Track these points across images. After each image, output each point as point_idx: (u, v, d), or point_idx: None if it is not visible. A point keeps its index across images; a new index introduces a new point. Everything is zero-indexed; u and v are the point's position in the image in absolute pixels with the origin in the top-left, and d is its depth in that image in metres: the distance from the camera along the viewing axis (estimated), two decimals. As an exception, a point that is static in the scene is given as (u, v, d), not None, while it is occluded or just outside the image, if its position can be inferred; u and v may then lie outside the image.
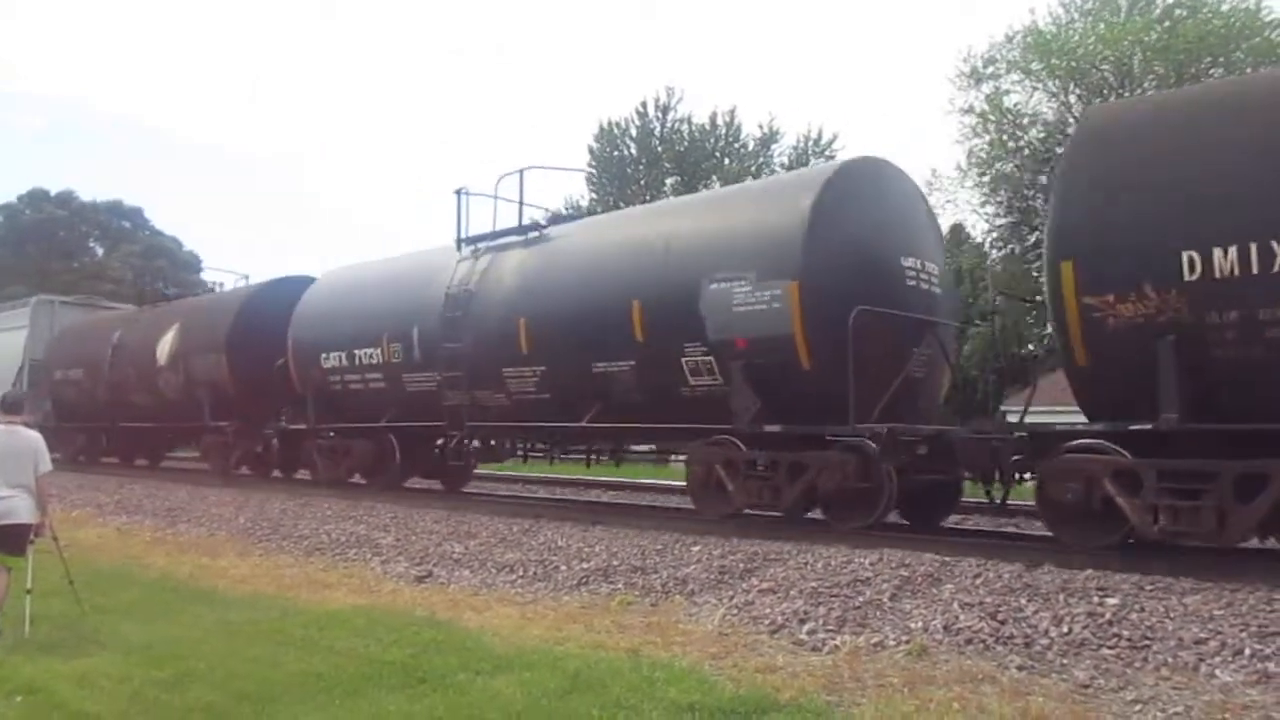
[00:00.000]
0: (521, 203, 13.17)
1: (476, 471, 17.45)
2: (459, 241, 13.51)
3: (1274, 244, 6.53)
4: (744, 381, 9.50)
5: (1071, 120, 23.04)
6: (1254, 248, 6.60)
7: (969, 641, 5.97)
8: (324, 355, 14.88)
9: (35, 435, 7.16)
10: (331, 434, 15.57)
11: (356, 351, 14.31)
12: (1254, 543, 9.93)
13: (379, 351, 13.93)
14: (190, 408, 18.20)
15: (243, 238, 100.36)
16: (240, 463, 17.87)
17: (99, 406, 21.40)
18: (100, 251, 57.01)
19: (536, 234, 12.69)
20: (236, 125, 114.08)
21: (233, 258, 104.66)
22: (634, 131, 34.22)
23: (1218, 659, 5.33)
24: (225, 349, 17.12)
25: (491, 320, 12.14)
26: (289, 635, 6.68)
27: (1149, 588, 6.50)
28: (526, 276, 12.16)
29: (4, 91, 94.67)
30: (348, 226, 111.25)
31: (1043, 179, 24.03)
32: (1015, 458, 8.28)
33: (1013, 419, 9.83)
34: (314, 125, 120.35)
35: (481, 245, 13.23)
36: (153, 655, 6.18)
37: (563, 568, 8.80)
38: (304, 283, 17.41)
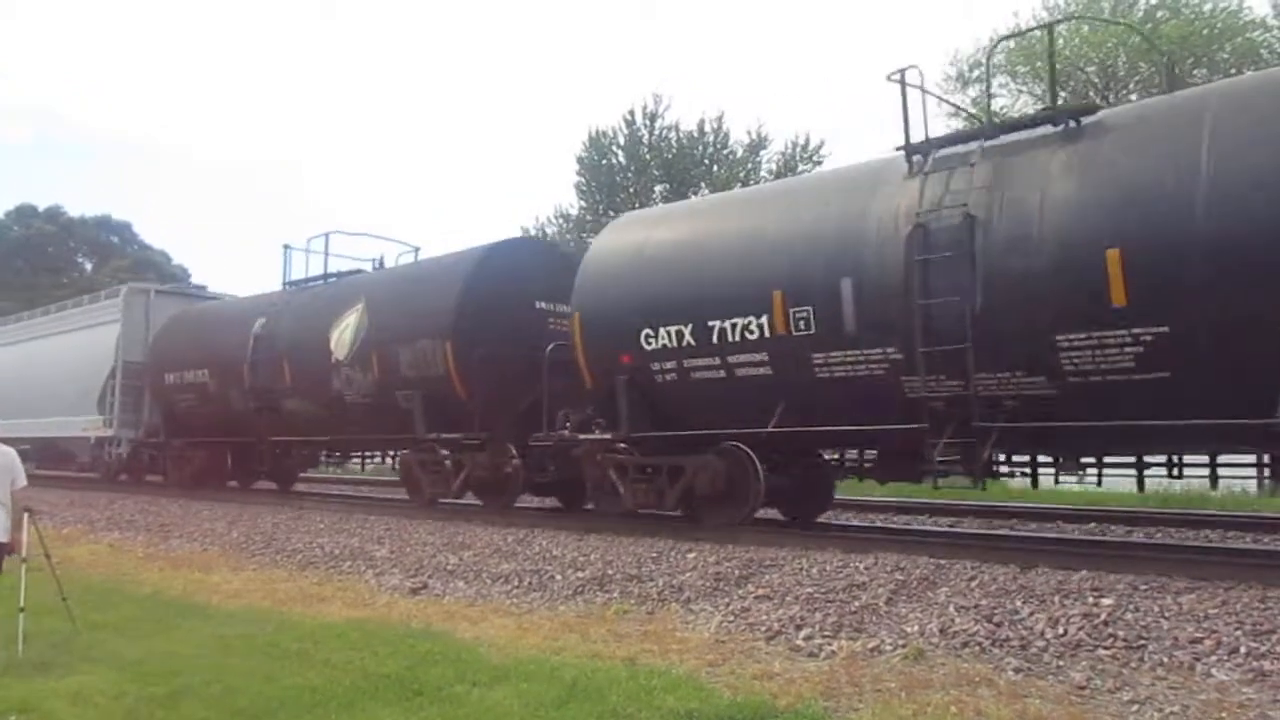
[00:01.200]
0: None
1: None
2: (907, 150, 9.12)
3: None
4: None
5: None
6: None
7: (965, 644, 5.98)
8: (645, 333, 10.53)
9: (10, 451, 7.12)
10: (651, 446, 10.87)
11: (715, 324, 9.92)
12: (1247, 541, 10.02)
13: (762, 321, 9.53)
14: (387, 415, 13.95)
15: (233, 249, 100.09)
16: (471, 487, 13.45)
17: (235, 417, 17.00)
18: (89, 267, 56.80)
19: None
20: (227, 135, 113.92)
21: (224, 270, 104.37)
22: (622, 139, 34.23)
23: (1213, 658, 5.35)
24: (451, 334, 12.74)
25: (1043, 257, 7.74)
26: (284, 649, 6.65)
27: (1143, 587, 6.52)
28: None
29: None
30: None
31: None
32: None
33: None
34: (308, 133, 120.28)
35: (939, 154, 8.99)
36: (147, 671, 6.14)
37: (558, 577, 8.79)
38: (535, 245, 15.65)
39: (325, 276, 16.47)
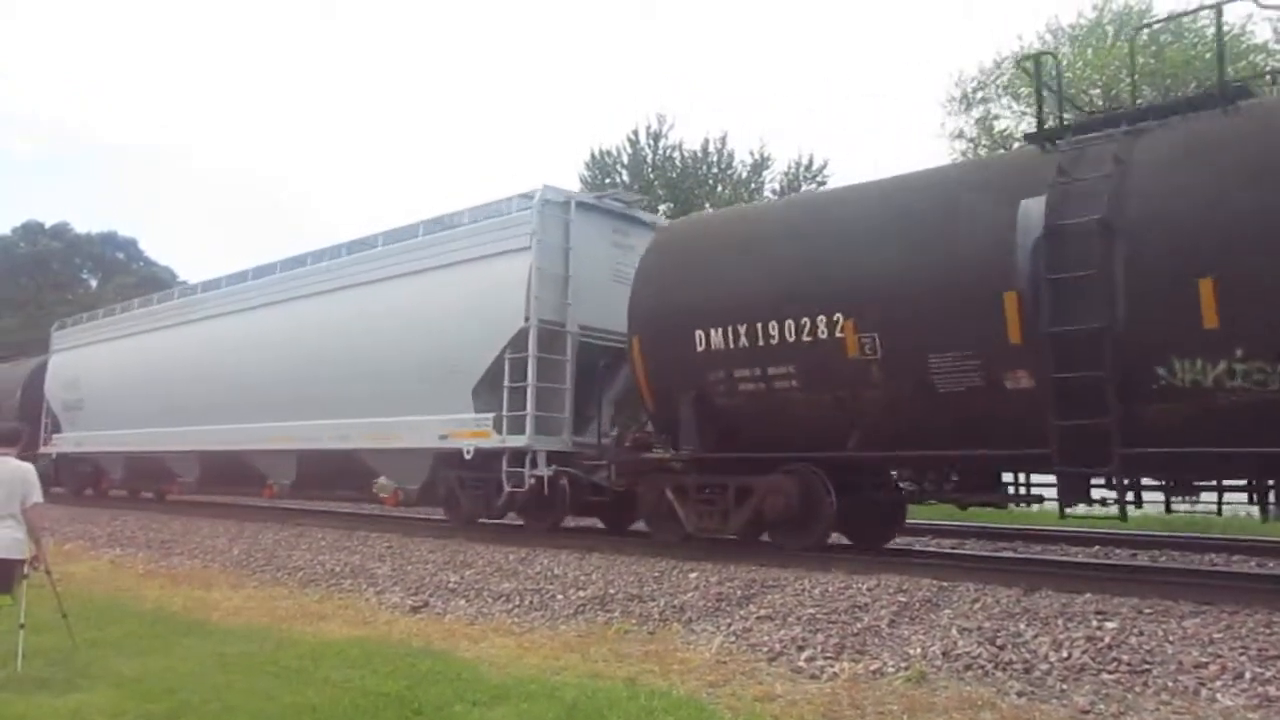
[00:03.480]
0: None
1: None
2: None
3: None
4: None
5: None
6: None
7: (968, 667, 5.94)
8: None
9: (26, 466, 7.07)
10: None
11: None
12: (1252, 565, 9.97)
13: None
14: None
15: (240, 264, 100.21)
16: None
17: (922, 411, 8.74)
18: (94, 283, 56.97)
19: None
20: (233, 147, 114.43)
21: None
22: (625, 159, 34.34)
23: (1218, 683, 5.31)
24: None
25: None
26: (284, 667, 6.63)
27: (1148, 611, 6.49)
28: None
29: (3, 120, 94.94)
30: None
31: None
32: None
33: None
34: (315, 144, 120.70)
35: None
36: (146, 689, 6.12)
37: (559, 596, 8.76)
38: None
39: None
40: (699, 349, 9.80)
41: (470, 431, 12.07)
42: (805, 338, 9.03)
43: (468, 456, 12.03)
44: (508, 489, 11.67)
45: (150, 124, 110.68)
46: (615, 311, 11.31)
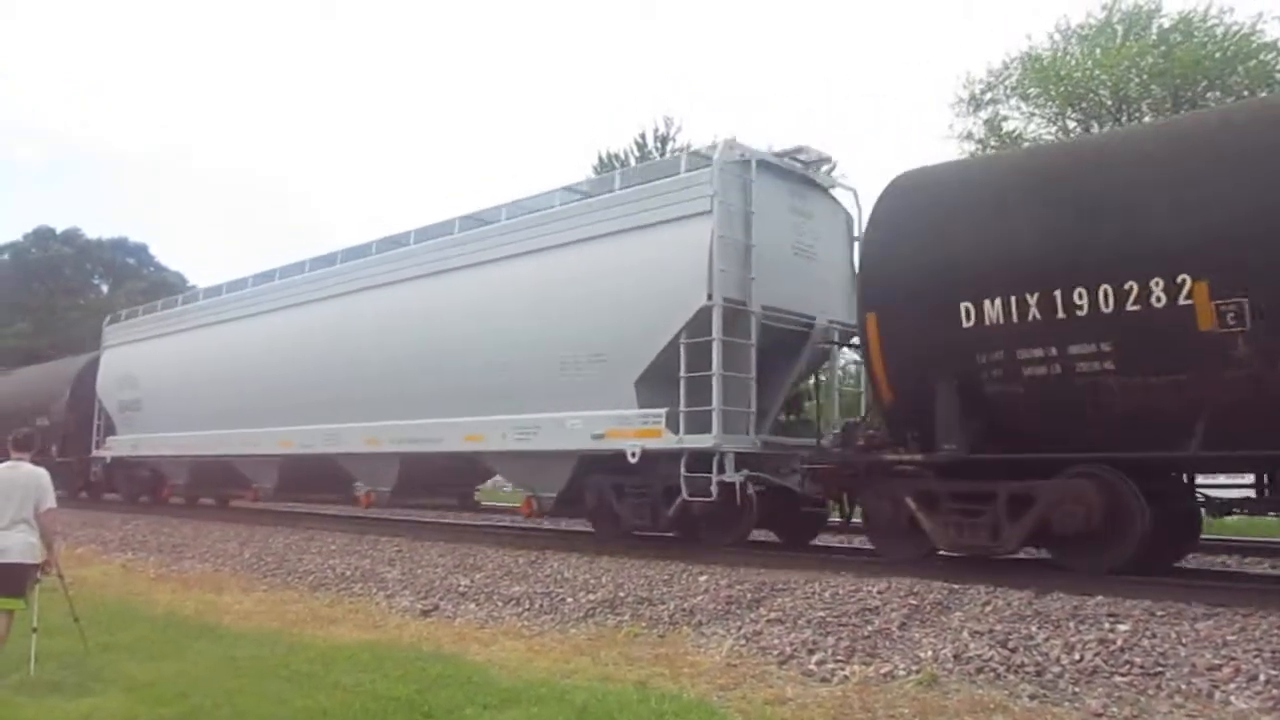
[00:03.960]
0: None
1: None
2: None
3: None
4: None
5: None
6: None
7: (980, 670, 5.92)
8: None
9: (40, 471, 7.10)
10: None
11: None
12: (1266, 567, 9.91)
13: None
14: None
15: (246, 268, 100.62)
16: None
17: None
18: (105, 289, 57.22)
19: None
20: (243, 151, 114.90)
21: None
22: (633, 162, 34.34)
23: (1232, 685, 5.28)
24: None
25: None
26: (294, 671, 6.64)
27: (1160, 614, 6.45)
28: None
29: (11, 126, 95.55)
30: None
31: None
32: None
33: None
34: (314, 146, 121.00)
35: None
36: (158, 693, 6.14)
37: (569, 600, 8.76)
38: None
39: None
40: (966, 325, 8.04)
41: (635, 430, 10.18)
42: (1130, 306, 7.18)
43: (633, 459, 10.07)
44: (684, 497, 9.85)
45: (151, 127, 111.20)
46: (794, 289, 10.49)
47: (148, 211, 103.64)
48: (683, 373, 9.82)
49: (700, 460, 9.75)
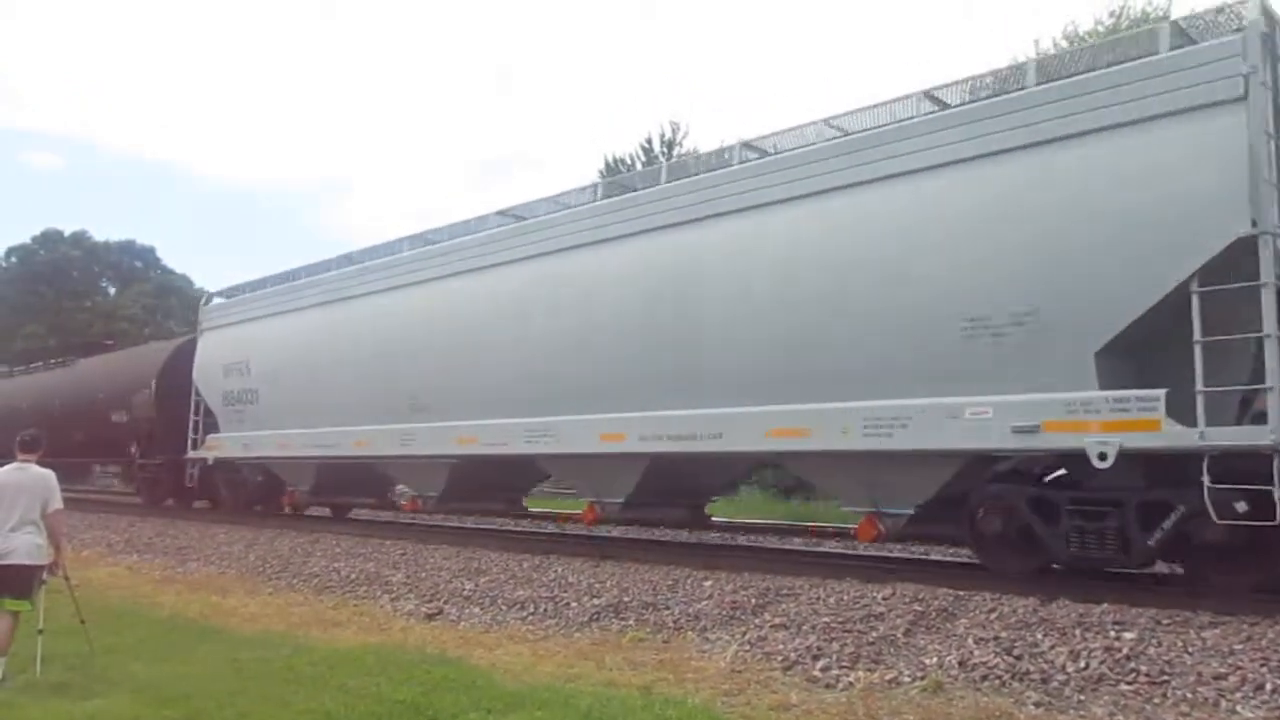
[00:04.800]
0: None
1: None
2: None
3: None
4: None
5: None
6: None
7: (985, 677, 5.91)
8: None
9: (47, 473, 7.13)
10: None
11: None
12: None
13: None
14: None
15: (256, 274, 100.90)
16: None
17: None
18: (113, 291, 57.44)
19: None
20: (252, 159, 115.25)
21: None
22: (639, 166, 34.39)
23: (1238, 694, 5.26)
24: None
25: None
26: (299, 674, 6.64)
27: (1166, 622, 6.43)
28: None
29: (21, 130, 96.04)
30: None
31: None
32: None
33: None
34: (313, 148, 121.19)
35: None
36: (163, 695, 6.15)
37: (574, 604, 8.75)
38: None
39: None
40: None
41: (1103, 421, 7.22)
42: None
43: (1101, 462, 7.12)
44: (1213, 519, 6.71)
45: (151, 132, 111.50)
46: None
47: (147, 215, 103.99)
48: (1198, 336, 6.81)
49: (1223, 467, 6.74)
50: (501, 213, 12.96)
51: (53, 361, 28.27)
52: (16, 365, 31.02)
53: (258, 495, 17.98)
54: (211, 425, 17.65)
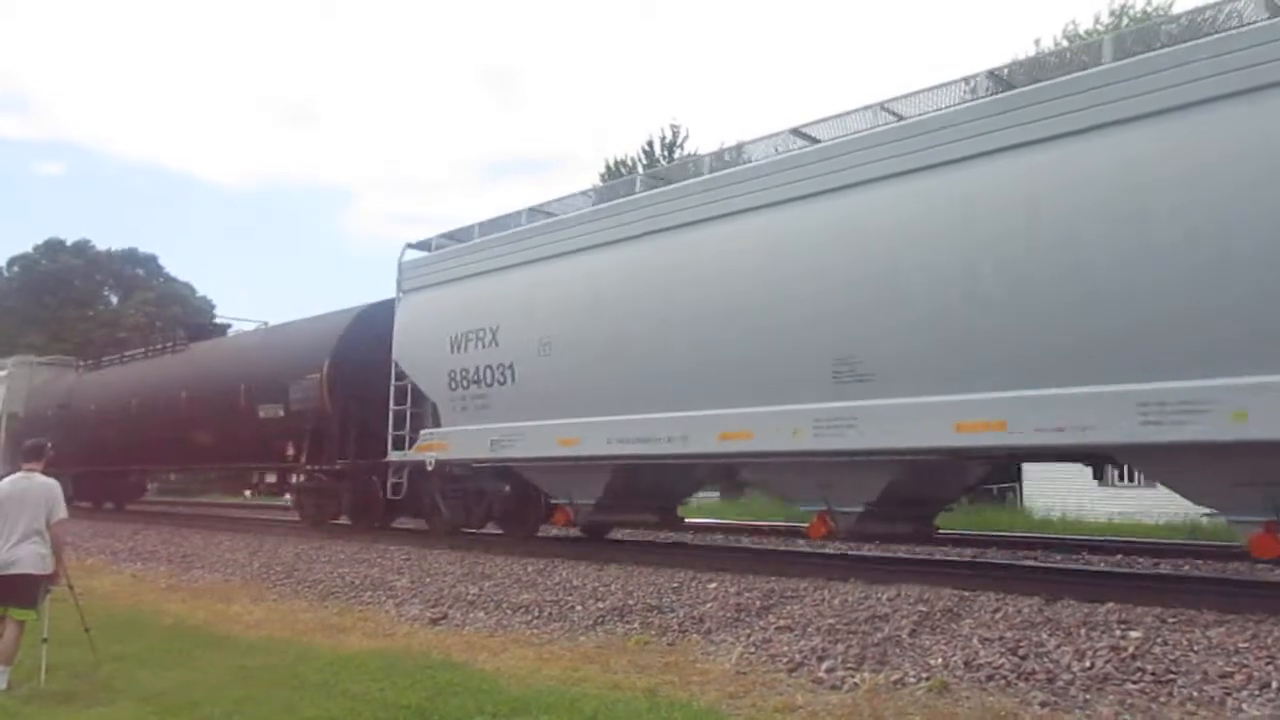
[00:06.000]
0: None
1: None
2: None
3: None
4: None
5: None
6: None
7: (990, 678, 5.90)
8: None
9: (51, 483, 7.13)
10: None
11: None
12: (1277, 574, 9.84)
13: None
14: None
15: (258, 282, 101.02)
16: None
17: None
18: (115, 300, 57.55)
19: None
20: (254, 166, 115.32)
21: (248, 303, 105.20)
22: (640, 169, 34.46)
23: (1244, 693, 5.25)
24: None
25: None
26: (304, 680, 6.64)
27: (1171, 620, 6.43)
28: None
29: (21, 139, 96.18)
30: (377, 266, 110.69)
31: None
32: None
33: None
34: (312, 151, 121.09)
35: None
36: (169, 702, 6.15)
37: (578, 608, 8.75)
38: None
39: None
40: None
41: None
42: None
43: None
44: None
45: (153, 140, 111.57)
46: None
47: (156, 222, 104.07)
48: None
49: None
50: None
51: (159, 347, 24.18)
52: (105, 355, 27.16)
53: (502, 510, 12.82)
54: (418, 419, 13.19)
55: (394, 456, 13.38)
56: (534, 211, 12.48)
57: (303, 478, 16.58)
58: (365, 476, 14.59)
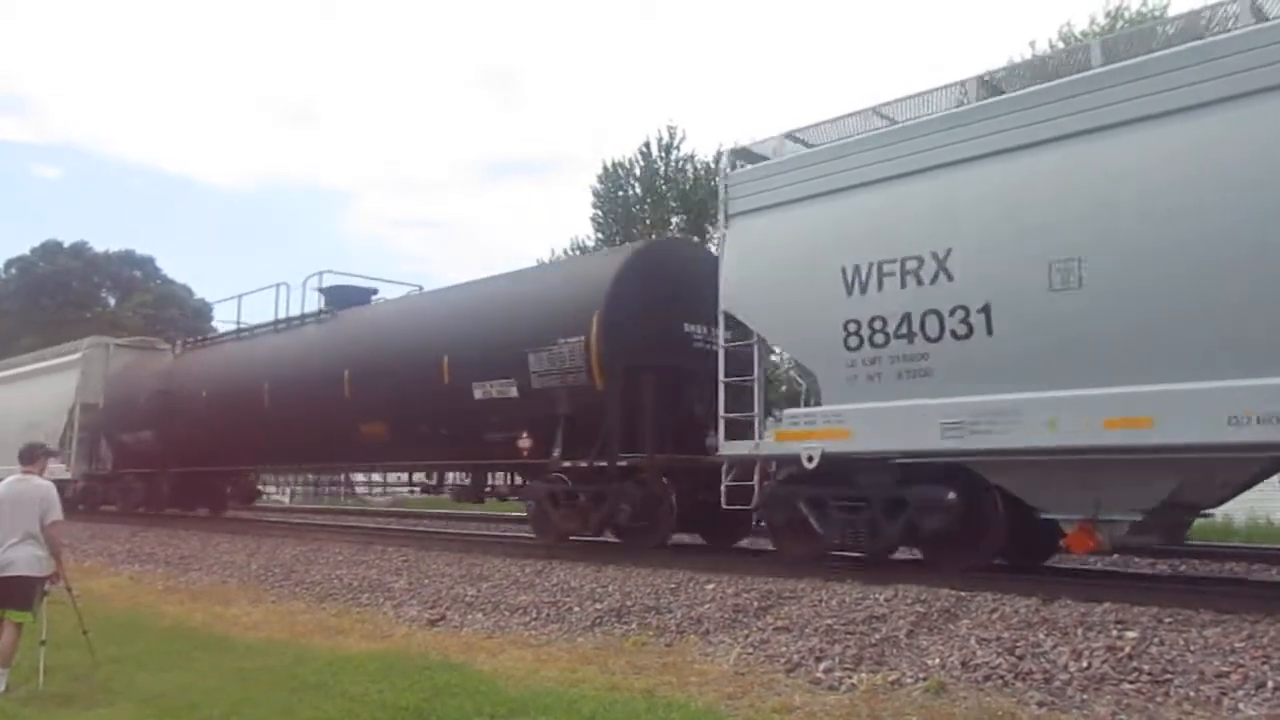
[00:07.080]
0: None
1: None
2: None
3: None
4: None
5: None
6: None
7: (987, 678, 5.91)
8: None
9: (46, 484, 7.15)
10: None
11: None
12: (1273, 574, 9.87)
13: None
14: None
15: (258, 283, 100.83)
16: None
17: None
18: (112, 302, 57.46)
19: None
20: (251, 167, 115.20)
21: (248, 303, 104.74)
22: (638, 171, 34.47)
23: (1240, 692, 5.26)
24: None
25: None
26: (303, 681, 6.65)
27: (1168, 620, 6.45)
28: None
29: (19, 142, 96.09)
30: (377, 266, 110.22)
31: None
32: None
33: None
34: (310, 152, 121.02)
35: None
36: (167, 704, 6.15)
37: (576, 609, 8.76)
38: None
39: None
40: None
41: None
42: None
43: None
44: None
45: (150, 142, 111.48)
46: None
47: (153, 224, 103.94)
48: None
49: None
50: None
51: (296, 318, 17.36)
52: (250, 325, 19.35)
53: (933, 529, 8.56)
54: (741, 400, 9.72)
55: (731, 450, 9.70)
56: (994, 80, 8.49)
57: (550, 480, 11.77)
58: (655, 478, 10.84)
